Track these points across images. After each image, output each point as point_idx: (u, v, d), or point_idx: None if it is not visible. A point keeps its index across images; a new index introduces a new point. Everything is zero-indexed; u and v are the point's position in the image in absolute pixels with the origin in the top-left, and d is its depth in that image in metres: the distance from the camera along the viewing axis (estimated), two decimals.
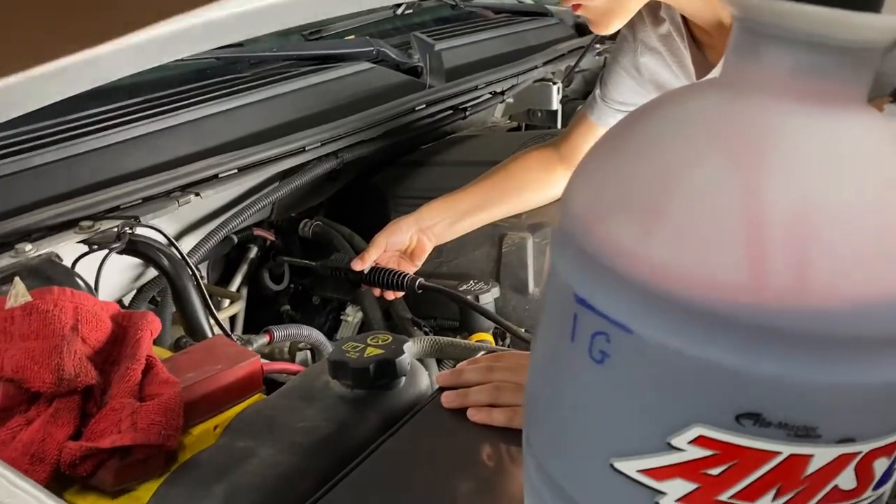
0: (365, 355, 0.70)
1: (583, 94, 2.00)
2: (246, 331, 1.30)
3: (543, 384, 0.42)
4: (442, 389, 0.71)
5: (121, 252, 0.92)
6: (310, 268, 1.32)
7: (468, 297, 1.09)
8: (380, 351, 0.70)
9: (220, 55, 1.43)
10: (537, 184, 1.20)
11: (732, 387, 0.32)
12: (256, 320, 1.35)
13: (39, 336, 0.66)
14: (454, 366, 1.08)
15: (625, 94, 1.11)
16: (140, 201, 1.02)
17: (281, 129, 1.27)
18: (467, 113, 1.54)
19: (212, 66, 1.43)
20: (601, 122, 1.15)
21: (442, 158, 1.45)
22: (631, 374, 0.35)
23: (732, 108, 0.35)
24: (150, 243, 0.94)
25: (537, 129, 1.78)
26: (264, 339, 0.93)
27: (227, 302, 1.23)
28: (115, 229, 0.93)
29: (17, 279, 0.70)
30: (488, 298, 1.11)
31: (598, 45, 1.90)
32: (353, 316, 1.35)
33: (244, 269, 1.35)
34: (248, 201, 1.21)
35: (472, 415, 0.67)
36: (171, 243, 0.97)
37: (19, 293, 0.69)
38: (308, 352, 0.98)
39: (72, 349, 0.65)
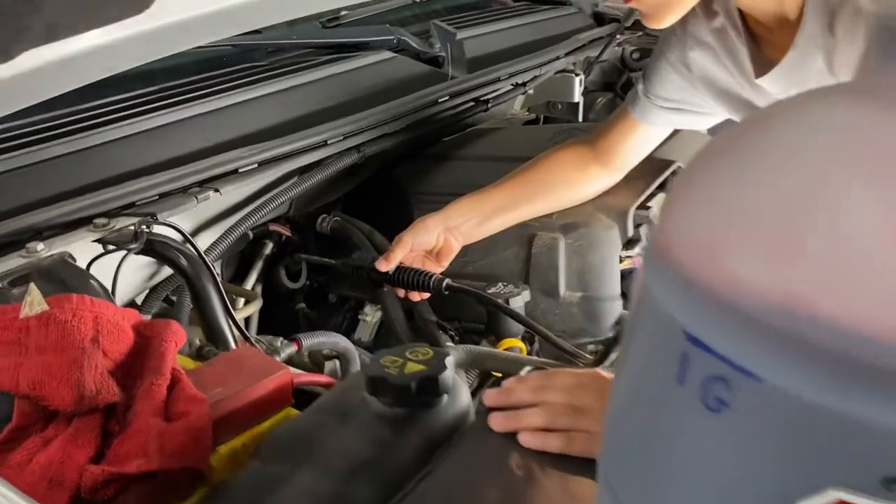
0: (405, 371, 0.65)
1: (601, 86, 1.94)
2: (261, 331, 1.25)
3: (634, 423, 0.37)
4: (488, 409, 0.67)
5: (138, 252, 0.87)
6: (329, 265, 1.27)
7: (498, 300, 1.04)
8: (421, 366, 0.65)
9: (236, 42, 1.37)
10: (570, 182, 1.14)
11: (881, 447, 0.28)
12: (271, 318, 1.31)
13: (57, 349, 0.61)
14: (478, 376, 1.03)
15: (670, 91, 1.06)
16: (157, 197, 0.97)
17: (301, 122, 1.22)
18: (489, 105, 1.49)
19: (228, 54, 1.38)
20: (644, 119, 1.09)
21: (464, 153, 1.40)
22: (756, 427, 0.30)
23: (881, 121, 0.30)
24: (167, 243, 0.89)
25: (557, 122, 1.73)
26: (292, 348, 0.88)
27: (241, 301, 1.19)
28: (132, 227, 0.88)
29: (32, 285, 0.65)
30: (519, 302, 1.06)
31: (618, 36, 1.85)
32: (371, 315, 1.30)
33: (259, 265, 1.31)
34: (266, 197, 1.16)
35: (525, 439, 0.62)
36: (189, 243, 0.92)
37: (35, 301, 0.64)
38: (336, 361, 0.93)
39: (92, 363, 0.60)
